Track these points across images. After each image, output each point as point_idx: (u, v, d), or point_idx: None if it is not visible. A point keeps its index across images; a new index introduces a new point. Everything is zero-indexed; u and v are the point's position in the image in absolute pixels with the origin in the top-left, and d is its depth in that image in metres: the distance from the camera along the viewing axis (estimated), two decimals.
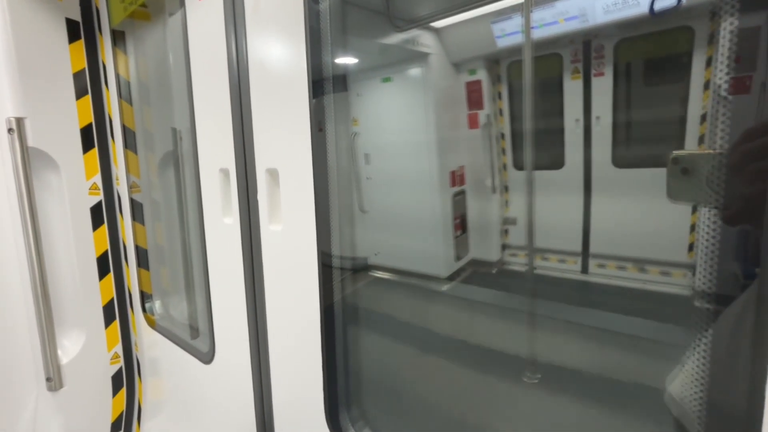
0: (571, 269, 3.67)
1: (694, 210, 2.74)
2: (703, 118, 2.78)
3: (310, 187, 0.96)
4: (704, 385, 0.57)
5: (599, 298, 3.45)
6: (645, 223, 3.11)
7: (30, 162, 1.49)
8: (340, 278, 1.05)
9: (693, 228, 2.85)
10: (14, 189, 1.48)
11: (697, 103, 2.80)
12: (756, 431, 0.43)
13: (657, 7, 2.47)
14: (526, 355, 2.34)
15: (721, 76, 0.63)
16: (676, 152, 0.57)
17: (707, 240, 0.56)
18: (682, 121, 2.90)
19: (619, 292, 3.30)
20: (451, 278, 3.85)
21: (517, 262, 4.06)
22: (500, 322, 3.19)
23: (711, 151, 0.54)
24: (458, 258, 3.95)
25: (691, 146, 2.80)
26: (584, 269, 3.62)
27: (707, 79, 2.74)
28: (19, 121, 1.46)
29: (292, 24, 0.94)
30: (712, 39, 2.65)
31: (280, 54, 1.01)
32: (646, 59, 3.13)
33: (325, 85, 0.98)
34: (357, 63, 4.06)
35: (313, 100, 0.94)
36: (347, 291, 1.11)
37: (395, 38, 3.32)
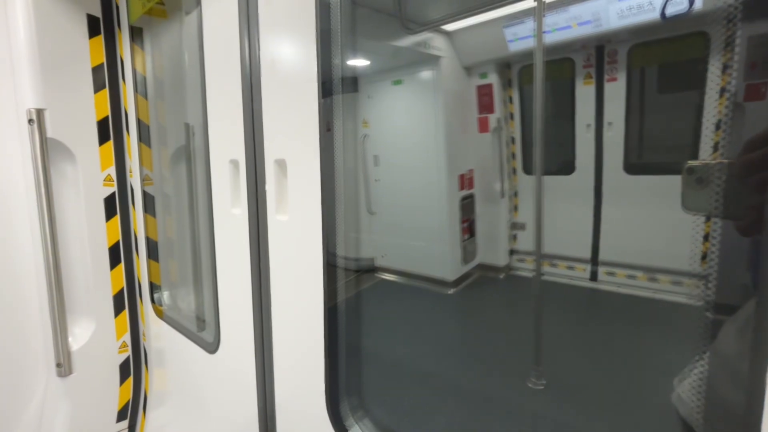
0: (579, 276, 3.63)
1: (708, 219, 2.69)
2: (718, 125, 2.73)
3: (317, 181, 0.97)
4: (710, 388, 0.57)
5: (608, 306, 3.40)
6: (656, 232, 3.06)
7: (48, 152, 1.53)
8: (345, 277, 1.07)
9: (707, 237, 2.80)
10: (32, 178, 1.53)
11: (712, 111, 2.76)
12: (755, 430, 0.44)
13: (668, 12, 2.44)
14: (531, 360, 2.32)
15: (736, 83, 0.62)
16: (690, 162, 0.55)
17: (720, 250, 0.56)
18: (697, 128, 2.86)
19: (629, 301, 3.25)
20: (458, 282, 3.83)
21: (525, 268, 4.02)
22: (507, 327, 3.17)
23: (725, 161, 0.53)
24: (465, 262, 3.93)
25: (705, 154, 2.76)
26: (593, 277, 3.57)
27: (723, 85, 2.70)
28: (39, 113, 1.50)
29: (303, 24, 0.96)
30: (727, 45, 2.61)
31: (291, 53, 1.03)
32: (661, 65, 3.09)
33: (335, 86, 0.99)
34: (368, 65, 4.08)
35: (323, 100, 0.96)
36: (352, 287, 1.12)
37: (407, 41, 3.34)
